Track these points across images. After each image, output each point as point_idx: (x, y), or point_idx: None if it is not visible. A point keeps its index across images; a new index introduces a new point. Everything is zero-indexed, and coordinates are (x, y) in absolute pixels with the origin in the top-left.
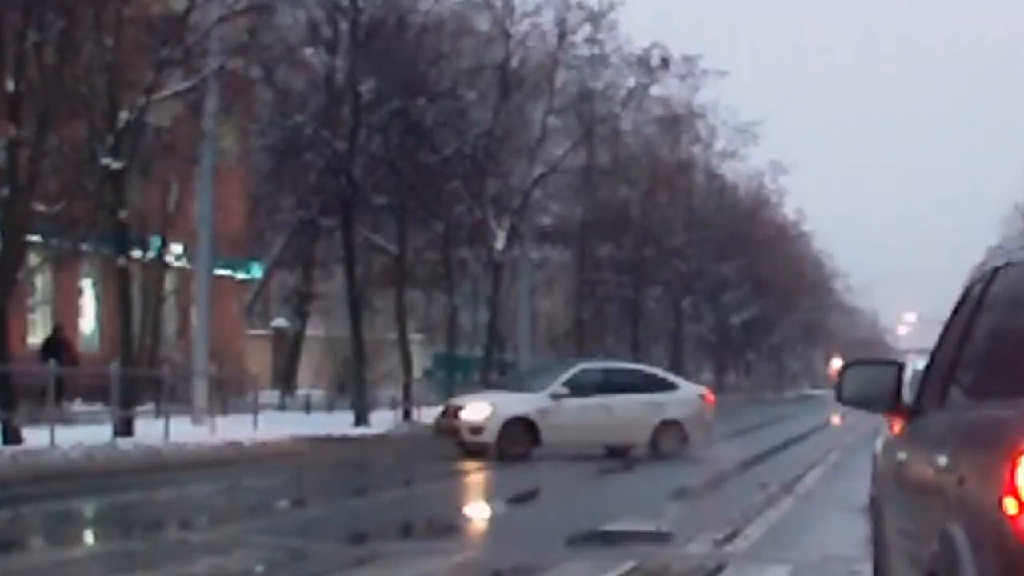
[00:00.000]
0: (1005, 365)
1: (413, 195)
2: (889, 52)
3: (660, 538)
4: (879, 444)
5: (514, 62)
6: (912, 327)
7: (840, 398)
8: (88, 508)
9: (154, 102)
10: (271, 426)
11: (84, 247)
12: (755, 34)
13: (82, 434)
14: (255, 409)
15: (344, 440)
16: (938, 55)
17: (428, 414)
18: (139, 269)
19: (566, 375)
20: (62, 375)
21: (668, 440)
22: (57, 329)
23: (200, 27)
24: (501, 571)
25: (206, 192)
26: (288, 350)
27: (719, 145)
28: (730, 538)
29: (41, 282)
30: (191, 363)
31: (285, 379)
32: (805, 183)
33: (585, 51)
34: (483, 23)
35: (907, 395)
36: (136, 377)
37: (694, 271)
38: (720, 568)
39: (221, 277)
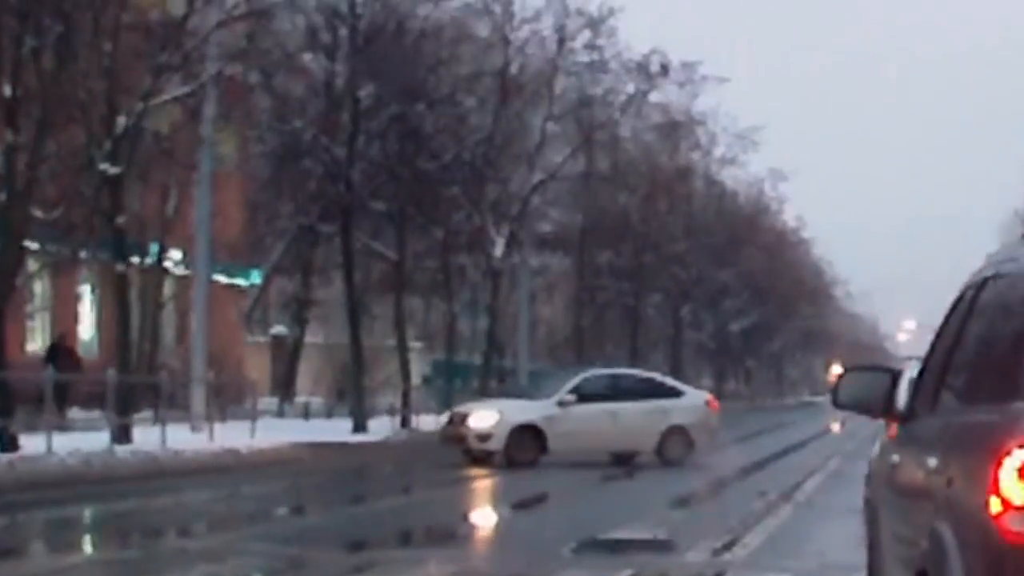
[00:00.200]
0: (993, 371)
1: (412, 201)
2: (889, 59)
3: (659, 546)
4: (876, 449)
5: (513, 68)
6: (912, 334)
7: (836, 403)
8: (84, 515)
9: (152, 108)
10: (269, 433)
11: (82, 253)
12: (755, 41)
13: (80, 441)
14: (253, 416)
15: (342, 447)
16: (938, 62)
17: (427, 421)
18: (138, 275)
19: (573, 382)
20: (65, 382)
21: (674, 446)
22: (61, 336)
23: (199, 32)
24: None
25: (204, 198)
26: (287, 357)
27: (719, 152)
28: (729, 546)
29: (40, 288)
30: (190, 370)
31: (284, 386)
32: (805, 190)
33: (584, 57)
34: (482, 29)
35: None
36: (133, 384)
37: (693, 278)
38: None
39: (220, 284)
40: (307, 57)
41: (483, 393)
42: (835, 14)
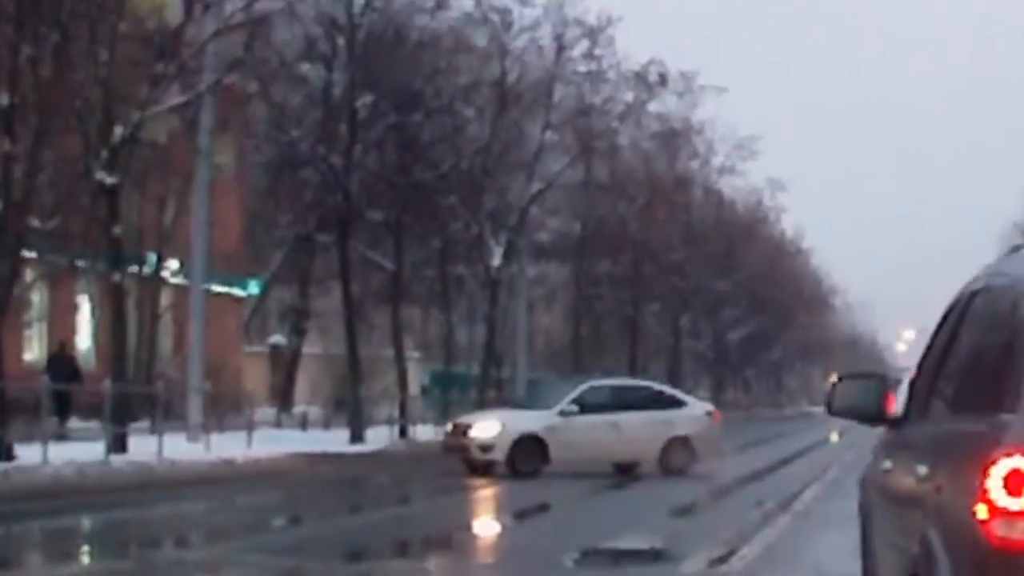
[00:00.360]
0: (981, 382)
1: (409, 211)
2: (889, 69)
3: (656, 557)
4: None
5: (511, 78)
6: (911, 344)
7: (830, 410)
8: (76, 526)
9: (149, 117)
10: (266, 443)
11: (80, 263)
12: (753, 50)
13: (76, 451)
14: (249, 426)
15: (340, 457)
16: (938, 73)
17: (424, 431)
18: (135, 285)
19: (575, 392)
20: (66, 392)
21: (676, 457)
22: (61, 346)
23: (196, 42)
24: None
25: (201, 207)
26: (285, 367)
27: (717, 161)
28: (726, 558)
29: (38, 298)
30: (187, 379)
31: (282, 396)
32: (804, 199)
33: (583, 67)
34: (480, 39)
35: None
36: (130, 394)
37: (692, 287)
38: None
39: (218, 294)
40: (305, 67)
41: (481, 403)
42: (835, 24)
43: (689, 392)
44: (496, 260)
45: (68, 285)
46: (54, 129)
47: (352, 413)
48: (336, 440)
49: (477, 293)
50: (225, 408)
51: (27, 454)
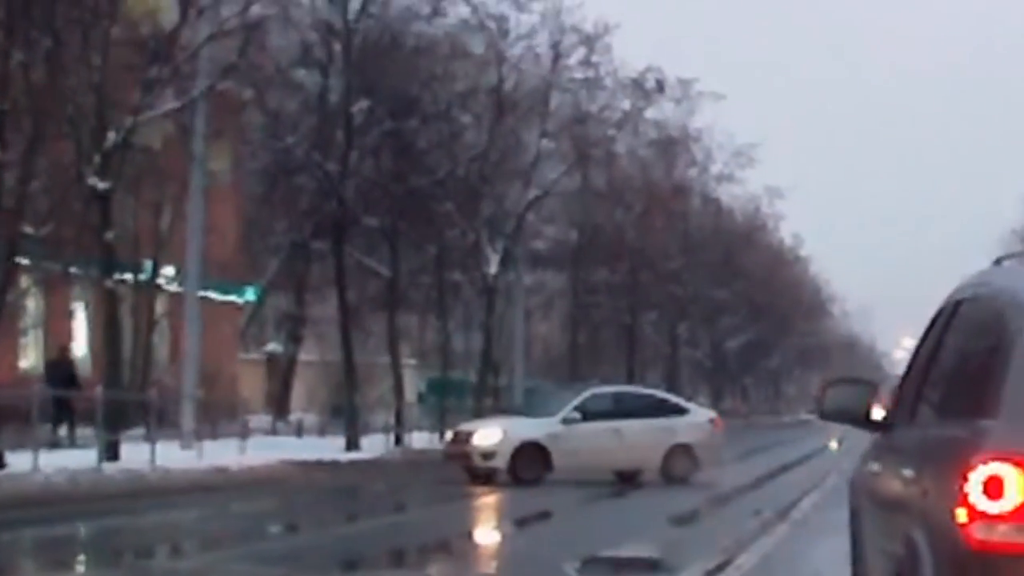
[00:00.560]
0: (964, 388)
1: (405, 218)
2: (888, 77)
3: (652, 567)
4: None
5: (508, 85)
6: (909, 352)
7: (821, 414)
8: (63, 535)
9: (143, 123)
10: (260, 451)
11: (74, 270)
12: (752, 58)
13: (68, 459)
14: (243, 434)
15: (334, 465)
16: (937, 81)
17: (420, 439)
18: (131, 292)
19: (577, 400)
20: (68, 399)
21: (679, 465)
22: (62, 352)
23: (191, 47)
24: None
25: (195, 214)
26: (281, 374)
27: (715, 169)
28: (722, 567)
29: (33, 305)
30: (181, 386)
31: (278, 403)
32: (802, 207)
33: (580, 74)
34: (477, 46)
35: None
36: (123, 401)
37: (690, 295)
38: None
39: (215, 301)
40: (300, 73)
41: (478, 411)
42: (833, 29)
43: (688, 400)
44: (493, 268)
45: (63, 292)
46: (47, 134)
47: (348, 420)
48: (331, 447)
49: (474, 300)
50: (220, 416)
51: (18, 462)
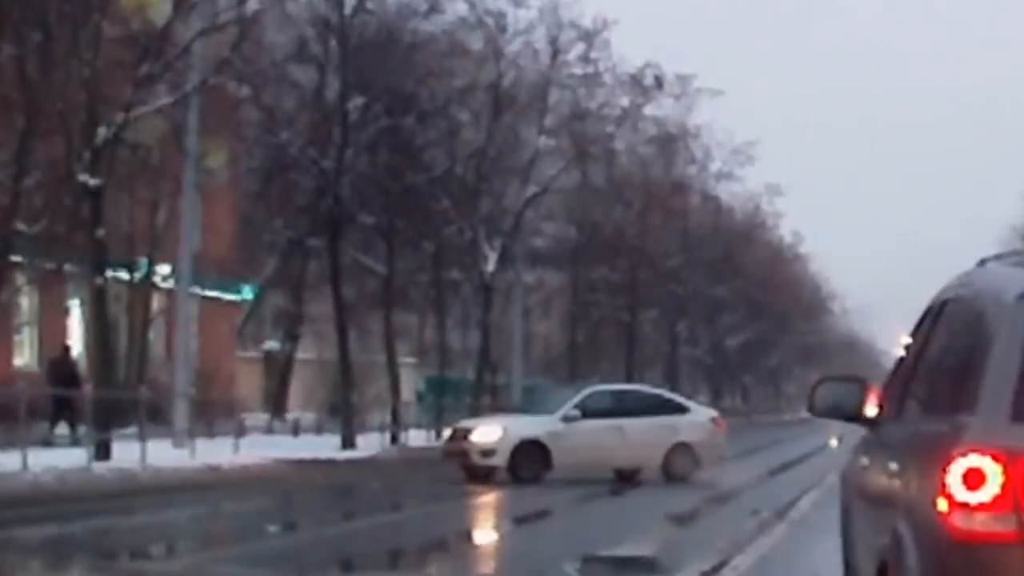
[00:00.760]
0: (947, 385)
1: (402, 215)
2: (888, 72)
3: (648, 568)
4: None
5: (506, 81)
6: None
7: (811, 410)
8: (47, 536)
9: (137, 119)
10: (255, 449)
11: (68, 267)
12: (751, 54)
13: (58, 457)
14: (237, 432)
15: (329, 464)
16: (936, 75)
17: (417, 437)
18: (127, 290)
19: (578, 397)
20: (69, 397)
21: (679, 463)
22: (65, 350)
23: (184, 42)
24: None
25: (189, 210)
26: (279, 372)
27: (715, 166)
28: (718, 568)
29: (27, 303)
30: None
31: (275, 402)
32: (802, 204)
33: (578, 70)
34: (475, 42)
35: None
36: (115, 399)
37: (689, 293)
38: None
39: (212, 299)
40: (296, 69)
41: (476, 409)
42: (834, 26)
43: (688, 398)
44: (490, 266)
45: (58, 289)
46: (39, 131)
47: (344, 419)
48: (327, 446)
49: (472, 299)
50: (217, 414)
51: (8, 461)
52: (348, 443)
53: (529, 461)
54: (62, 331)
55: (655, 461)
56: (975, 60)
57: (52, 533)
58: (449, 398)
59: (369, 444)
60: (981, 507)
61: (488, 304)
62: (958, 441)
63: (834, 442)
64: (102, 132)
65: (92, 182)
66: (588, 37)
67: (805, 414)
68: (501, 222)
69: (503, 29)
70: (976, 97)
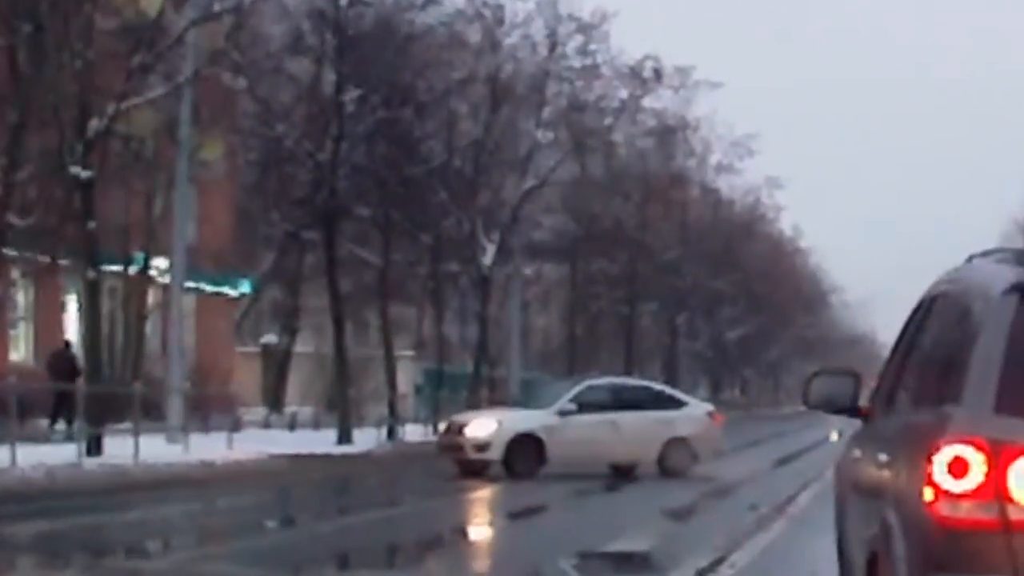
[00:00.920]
0: (934, 378)
1: (400, 208)
2: (889, 63)
3: (644, 565)
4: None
5: (504, 73)
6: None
7: (806, 403)
8: (31, 532)
9: (131, 111)
10: (252, 444)
11: (63, 261)
12: (751, 46)
13: (48, 453)
14: (231, 427)
15: (325, 459)
16: (939, 68)
17: (414, 431)
18: (123, 283)
19: (573, 391)
20: (69, 392)
21: (676, 458)
22: (68, 344)
23: (177, 32)
24: None
25: (183, 202)
26: (277, 367)
27: (714, 159)
28: (714, 566)
29: (23, 298)
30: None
31: (273, 396)
32: (803, 197)
33: (576, 62)
34: (473, 34)
35: None
36: (107, 394)
37: (689, 286)
38: None
39: (209, 293)
40: (292, 61)
41: (473, 403)
42: (834, 16)
43: (688, 393)
44: (488, 258)
45: (54, 283)
46: (31, 123)
47: (340, 413)
48: (323, 441)
49: (470, 291)
50: (215, 408)
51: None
52: (344, 438)
53: (524, 455)
54: (58, 325)
55: (651, 455)
56: (971, 51)
57: (36, 530)
58: (447, 391)
59: (366, 439)
60: (965, 495)
61: (486, 297)
62: (943, 431)
63: (834, 436)
64: (94, 124)
65: (84, 174)
66: (586, 29)
67: (804, 407)
68: (499, 214)
69: (501, 21)
70: (974, 88)
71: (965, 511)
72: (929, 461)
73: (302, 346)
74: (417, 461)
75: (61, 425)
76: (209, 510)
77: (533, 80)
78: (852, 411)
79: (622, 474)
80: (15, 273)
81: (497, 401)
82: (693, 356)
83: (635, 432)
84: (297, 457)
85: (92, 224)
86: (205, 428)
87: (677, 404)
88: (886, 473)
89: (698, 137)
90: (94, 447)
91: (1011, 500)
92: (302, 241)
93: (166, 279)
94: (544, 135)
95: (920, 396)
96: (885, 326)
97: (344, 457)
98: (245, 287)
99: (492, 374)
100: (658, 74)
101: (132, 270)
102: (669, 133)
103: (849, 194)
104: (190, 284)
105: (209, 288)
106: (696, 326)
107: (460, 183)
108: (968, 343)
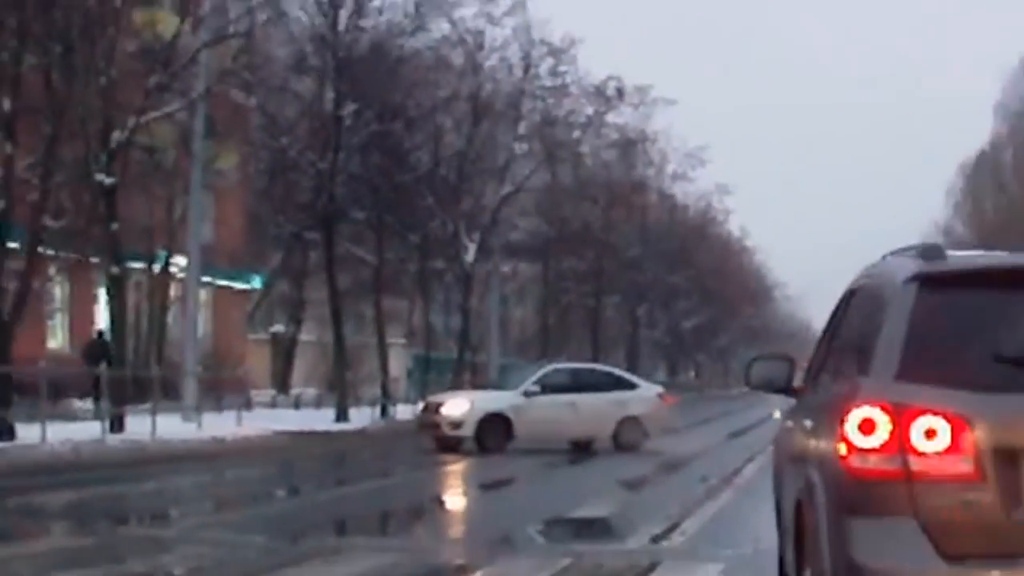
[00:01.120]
0: (851, 357)
1: (391, 211)
2: (822, 90)
3: (601, 532)
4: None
5: (484, 92)
6: None
7: (748, 384)
8: (56, 502)
9: (150, 124)
10: (259, 422)
11: (93, 259)
12: (702, 68)
13: (75, 430)
14: (240, 406)
15: (324, 435)
16: (865, 94)
17: (405, 411)
18: (147, 279)
19: (538, 375)
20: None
21: (629, 435)
22: (100, 334)
23: (190, 53)
24: (439, 568)
25: (196, 207)
26: (284, 353)
27: (670, 168)
28: (667, 533)
29: (59, 292)
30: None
31: (281, 379)
32: (749, 202)
33: (548, 82)
34: (457, 58)
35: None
36: (129, 377)
37: (648, 281)
38: (653, 566)
39: (224, 287)
40: (296, 80)
41: (457, 385)
42: (773, 47)
43: (648, 375)
44: (470, 257)
45: (86, 279)
46: (62, 136)
47: (338, 394)
48: (323, 419)
49: (454, 286)
50: (228, 390)
51: (28, 433)
52: (342, 416)
53: (494, 432)
54: (91, 317)
55: (606, 432)
56: (893, 80)
57: (63, 499)
58: (434, 375)
59: (361, 417)
60: (873, 450)
61: (468, 291)
62: (855, 397)
63: (776, 414)
64: (116, 136)
65: (107, 181)
66: (557, 53)
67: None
68: (480, 217)
69: (481, 46)
70: (895, 112)
71: (873, 463)
72: (843, 422)
73: (307, 335)
74: (407, 437)
75: (89, 404)
76: (218, 481)
77: (510, 98)
78: (787, 390)
79: (581, 449)
80: (51, 270)
81: (478, 384)
82: (652, 343)
83: (592, 411)
84: (299, 433)
85: (115, 225)
86: (219, 407)
87: (630, 386)
88: (811, 437)
89: (656, 149)
90: (117, 424)
91: (912, 453)
92: (305, 241)
93: (185, 275)
94: (520, 147)
95: (839, 372)
96: (820, 317)
97: (341, 433)
98: (256, 282)
99: (474, 359)
100: (620, 92)
101: (155, 267)
102: (630, 145)
103: (790, 201)
104: (207, 279)
105: (224, 282)
106: (655, 316)
107: (445, 189)
108: (877, 325)
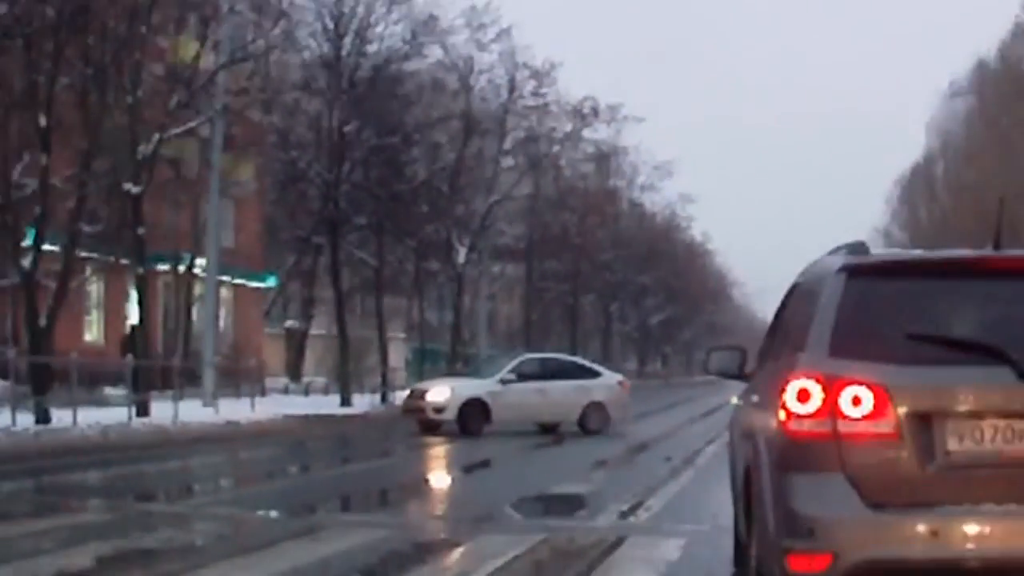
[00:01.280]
0: (791, 340)
1: (390, 218)
2: (776, 105)
3: (573, 509)
4: None
5: (474, 111)
6: None
7: (707, 371)
8: (84, 480)
9: (173, 139)
10: (271, 407)
11: (124, 261)
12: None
13: (105, 415)
14: (253, 393)
15: (329, 418)
16: (815, 107)
17: (403, 397)
18: (173, 279)
19: (512, 364)
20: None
21: (593, 419)
22: (135, 328)
23: (208, 73)
24: (426, 543)
25: (215, 213)
26: (297, 345)
27: (640, 179)
28: (634, 509)
29: (95, 290)
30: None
31: (294, 369)
32: (710, 210)
33: (531, 102)
34: (449, 80)
35: None
36: (153, 366)
37: (620, 281)
38: (620, 541)
39: (243, 286)
40: (305, 99)
41: (449, 374)
42: (729, 67)
43: (618, 366)
44: (462, 259)
45: (119, 278)
46: (95, 149)
47: (342, 383)
48: (329, 404)
49: (447, 285)
50: (243, 378)
51: (62, 418)
52: (346, 402)
53: (473, 416)
54: (123, 313)
55: (573, 416)
56: (838, 97)
57: (91, 477)
58: (429, 365)
59: (363, 403)
60: (807, 416)
61: (460, 290)
62: (793, 370)
63: (734, 399)
64: (142, 149)
65: (134, 190)
66: (538, 76)
67: (711, 376)
68: (470, 223)
69: (471, 69)
70: (842, 126)
71: (808, 427)
72: (783, 392)
73: (317, 329)
74: (402, 421)
75: (112, 391)
76: (231, 461)
77: (496, 116)
78: (740, 376)
79: (549, 431)
80: (87, 270)
81: (469, 373)
82: (624, 336)
83: (560, 397)
84: (307, 417)
85: (141, 230)
86: (237, 394)
87: (594, 374)
88: (757, 409)
89: (627, 162)
90: (142, 410)
91: (840, 417)
92: (314, 244)
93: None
94: (506, 160)
95: (781, 353)
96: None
97: (345, 417)
98: (271, 281)
99: (465, 351)
100: (595, 111)
101: (181, 268)
102: (604, 159)
103: (747, 208)
104: (226, 279)
105: (243, 282)
106: (626, 313)
107: (439, 198)
108: (813, 310)
